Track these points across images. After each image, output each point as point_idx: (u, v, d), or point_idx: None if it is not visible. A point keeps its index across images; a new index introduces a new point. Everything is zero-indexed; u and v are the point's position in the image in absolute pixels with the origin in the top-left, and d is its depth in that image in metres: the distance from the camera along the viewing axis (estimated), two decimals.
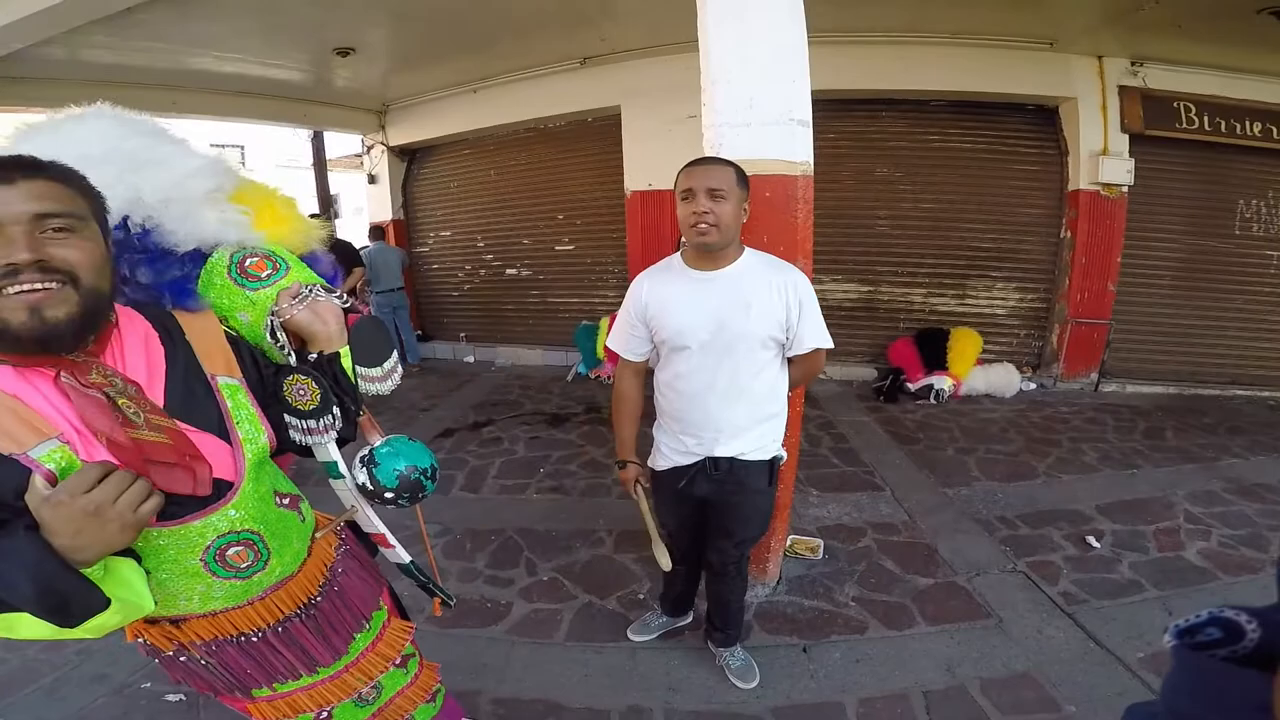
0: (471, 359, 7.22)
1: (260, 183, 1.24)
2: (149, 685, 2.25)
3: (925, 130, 5.22)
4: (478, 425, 4.93)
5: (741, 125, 2.04)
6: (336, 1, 3.93)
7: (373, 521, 1.26)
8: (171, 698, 2.20)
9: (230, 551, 0.95)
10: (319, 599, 1.13)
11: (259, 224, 1.12)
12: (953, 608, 2.48)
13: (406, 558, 1.32)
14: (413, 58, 5.53)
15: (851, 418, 4.66)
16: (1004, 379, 5.10)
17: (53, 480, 0.78)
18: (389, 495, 1.16)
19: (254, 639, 1.06)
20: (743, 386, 1.69)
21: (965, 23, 4.47)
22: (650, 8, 4.46)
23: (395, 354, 1.22)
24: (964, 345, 5.07)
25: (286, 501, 1.08)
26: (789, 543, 2.82)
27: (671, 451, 1.83)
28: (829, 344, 1.72)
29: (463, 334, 7.38)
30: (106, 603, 0.79)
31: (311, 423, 1.05)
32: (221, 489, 0.93)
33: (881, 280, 5.52)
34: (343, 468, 1.16)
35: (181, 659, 1.06)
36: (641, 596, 2.62)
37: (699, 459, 1.77)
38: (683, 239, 3.23)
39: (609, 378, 5.77)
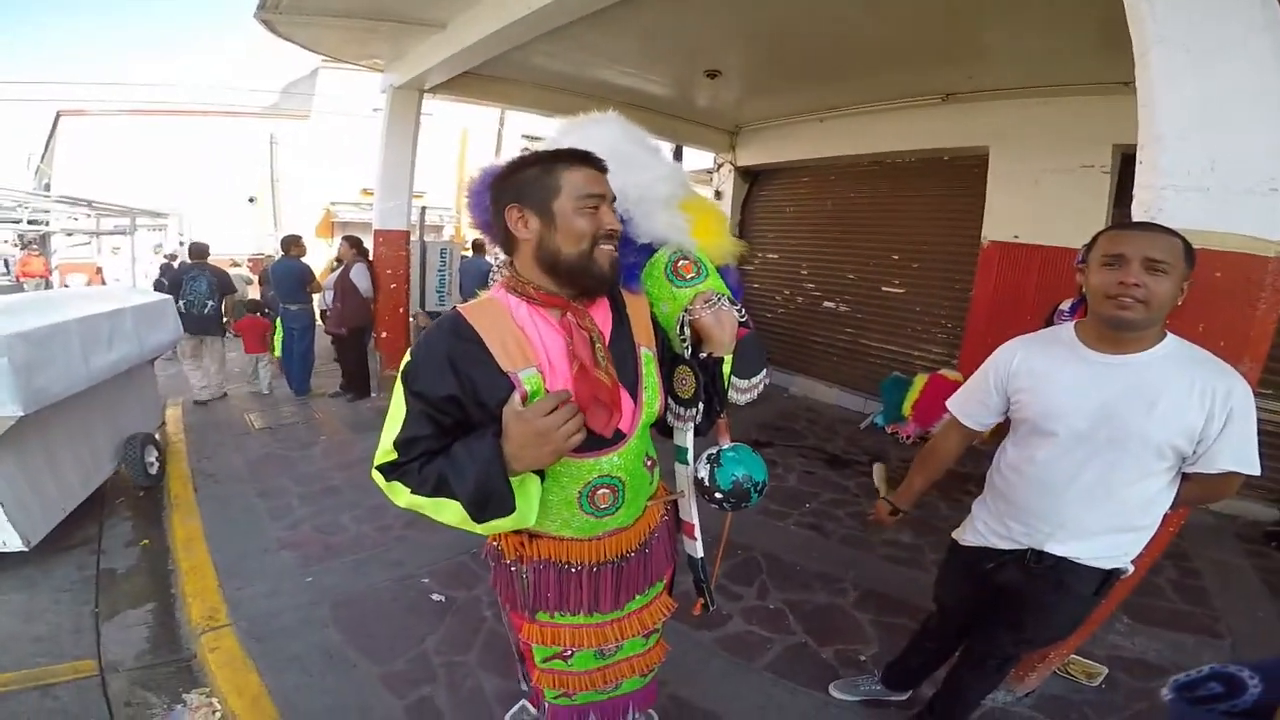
0: (769, 377, 7.26)
1: (703, 197, 1.50)
2: (426, 581, 2.82)
3: None
4: (758, 444, 4.97)
5: (1195, 190, 1.64)
6: (717, 24, 4.30)
7: (691, 510, 1.39)
8: (435, 597, 2.72)
9: (599, 491, 1.16)
10: (632, 555, 1.29)
11: (694, 232, 1.32)
12: None
13: (700, 553, 1.41)
14: (768, 83, 5.77)
15: (1218, 556, 3.51)
16: None
17: (524, 399, 1.04)
18: (719, 495, 1.24)
19: (573, 570, 1.25)
20: (1112, 491, 1.39)
21: None
22: (1027, 49, 4.01)
23: (765, 371, 1.34)
24: None
25: (649, 463, 1.26)
26: (1067, 661, 2.31)
27: (989, 531, 1.61)
28: (1255, 470, 1.30)
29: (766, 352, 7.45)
30: (512, 509, 1.03)
31: (682, 409, 1.23)
32: (615, 438, 1.14)
33: None
34: (690, 456, 1.30)
35: (513, 568, 1.27)
36: (863, 658, 2.42)
37: (1021, 547, 1.53)
38: (1060, 308, 2.79)
39: (909, 438, 5.28)
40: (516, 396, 1.02)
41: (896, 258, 6.14)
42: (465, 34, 4.49)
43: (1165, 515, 1.44)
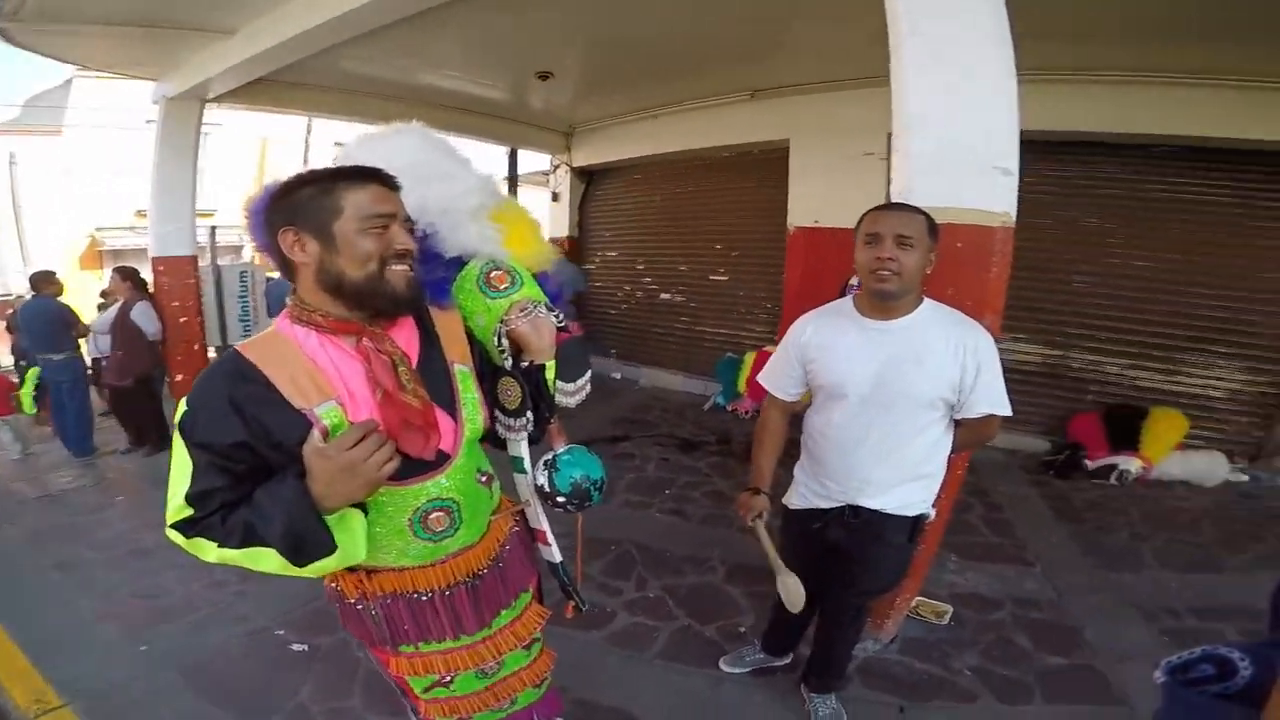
0: (619, 375, 7.47)
1: (516, 204, 1.44)
2: (281, 633, 2.58)
3: (1146, 179, 4.55)
4: (615, 439, 5.12)
5: (934, 171, 1.94)
6: (546, 26, 4.29)
7: (539, 518, 1.38)
8: (296, 647, 2.50)
9: (432, 515, 1.12)
10: (485, 571, 1.26)
11: (508, 242, 1.28)
12: (1080, 689, 2.27)
13: (558, 558, 1.41)
14: (601, 83, 5.86)
15: (1011, 489, 4.20)
16: (1207, 467, 4.32)
17: (325, 435, 0.97)
18: (560, 499, 1.25)
19: (423, 598, 1.20)
20: (898, 445, 1.61)
21: (1212, 60, 3.86)
22: (823, 42, 4.41)
23: (589, 373, 1.35)
24: (1164, 427, 4.35)
25: (484, 479, 1.24)
26: (915, 604, 2.64)
27: (810, 493, 1.79)
28: (1007, 411, 1.56)
29: (613, 350, 7.65)
30: (333, 549, 0.95)
31: (511, 420, 1.21)
32: (440, 459, 1.10)
33: (1073, 345, 4.88)
34: (527, 465, 1.29)
35: (358, 607, 1.20)
36: (742, 630, 2.58)
37: (839, 505, 1.72)
38: (850, 284, 3.15)
39: (746, 413, 5.70)
40: (316, 433, 0.96)
41: (719, 247, 6.60)
42: (259, 40, 4.05)
43: (950, 460, 1.72)
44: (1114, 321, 4.75)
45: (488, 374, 1.22)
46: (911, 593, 2.50)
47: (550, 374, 1.23)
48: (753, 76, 5.37)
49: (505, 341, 1.18)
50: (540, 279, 1.34)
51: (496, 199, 1.34)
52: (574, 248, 7.87)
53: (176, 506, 0.97)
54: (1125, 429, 4.41)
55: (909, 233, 1.48)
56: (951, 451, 1.69)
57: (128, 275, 5.02)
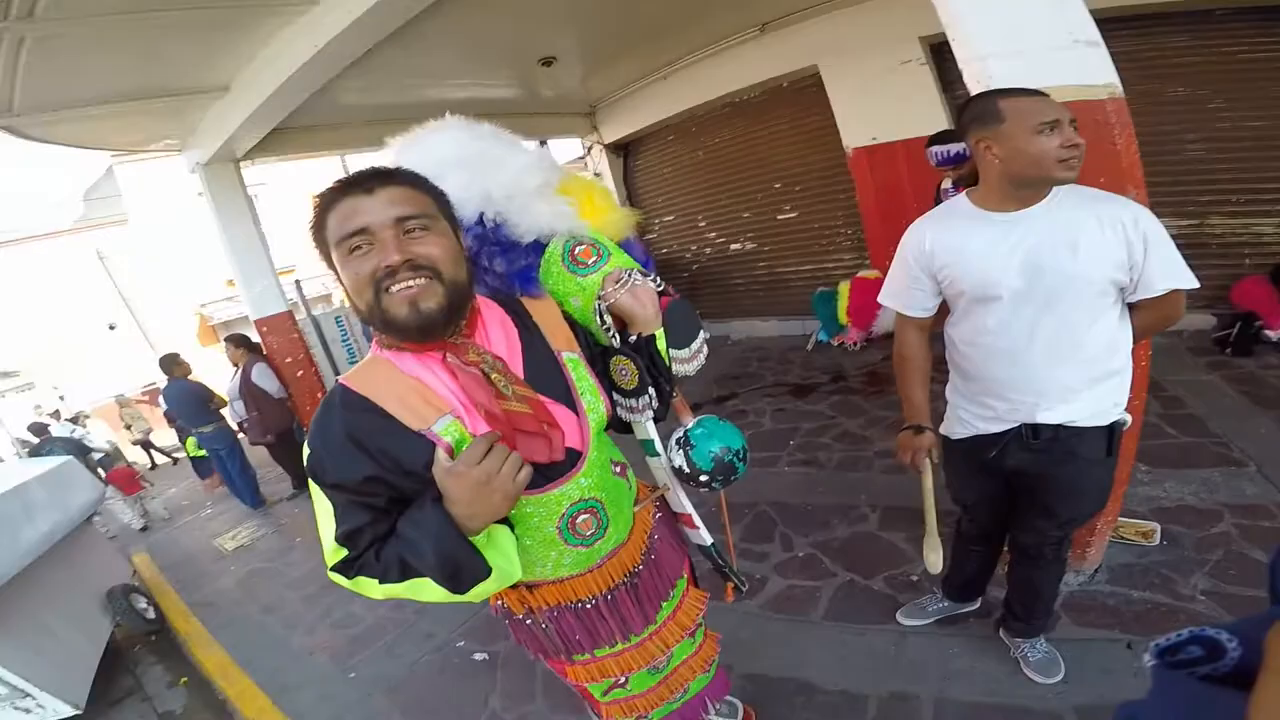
0: (706, 335, 7.36)
1: (579, 175, 1.35)
2: (463, 644, 2.73)
3: (1223, 43, 4.04)
4: (721, 399, 5.02)
5: (1012, 54, 1.75)
6: (530, 13, 4.21)
7: (681, 502, 1.32)
8: (478, 656, 2.63)
9: (580, 519, 1.07)
10: (640, 568, 1.22)
11: (582, 214, 1.21)
12: None
13: (709, 539, 1.35)
14: (604, 54, 5.73)
15: (1187, 377, 3.65)
16: None
17: (450, 452, 0.90)
18: (704, 478, 1.18)
19: (588, 606, 1.17)
20: (1075, 341, 1.42)
21: None
22: None
23: (703, 335, 1.26)
24: None
25: (618, 469, 1.16)
26: (1115, 525, 2.33)
27: (974, 417, 1.61)
28: (1193, 283, 1.35)
29: (697, 311, 7.56)
30: (488, 571, 0.90)
31: (633, 401, 1.13)
32: (572, 458, 1.03)
33: (1209, 212, 4.34)
34: (659, 446, 1.22)
35: (528, 622, 1.20)
36: (915, 578, 2.41)
37: (1013, 426, 1.54)
38: (944, 187, 2.88)
39: (855, 344, 5.47)
40: (441, 453, 0.89)
41: (779, 186, 6.37)
42: (252, 93, 4.11)
43: (1133, 351, 1.51)
44: (1248, 181, 4.19)
45: (597, 357, 1.13)
46: (1113, 514, 2.22)
47: (661, 344, 1.14)
48: (758, 10, 5.15)
49: (608, 318, 1.11)
50: (625, 247, 1.26)
51: (557, 173, 1.25)
52: None
53: (331, 549, 0.94)
54: None
55: (1073, 115, 1.32)
56: (1135, 342, 1.49)
57: (239, 342, 5.40)
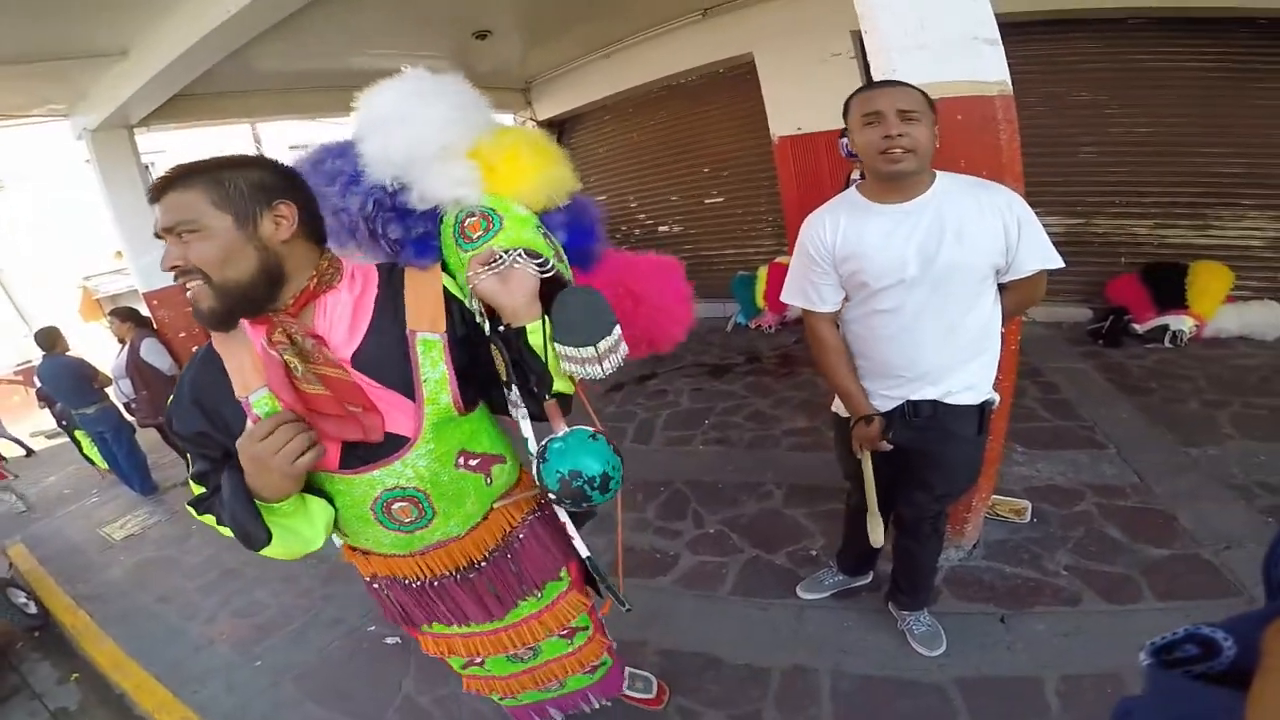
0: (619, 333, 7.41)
1: (516, 129, 1.20)
2: (374, 629, 2.66)
3: (1129, 51, 4.33)
4: (643, 378, 5.06)
5: (916, 48, 1.82)
6: None
7: (556, 509, 1.19)
8: (390, 640, 2.56)
9: (395, 506, 1.04)
10: (483, 563, 1.16)
11: (493, 180, 1.08)
12: (1193, 582, 2.09)
13: (585, 552, 1.23)
14: (543, 31, 5.61)
15: (1063, 364, 3.99)
16: (1265, 318, 4.06)
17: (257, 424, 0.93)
18: (551, 497, 1.03)
19: (412, 585, 1.16)
20: (954, 323, 1.50)
21: None
22: None
23: (616, 332, 1.05)
24: (1209, 280, 4.11)
25: (474, 463, 1.09)
26: (991, 503, 2.50)
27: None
28: (1059, 263, 1.46)
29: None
30: (268, 540, 0.95)
31: (508, 393, 1.05)
32: (398, 443, 1.00)
33: (1094, 212, 4.70)
34: (531, 446, 1.06)
35: (374, 585, 1.22)
36: (814, 553, 2.54)
37: (896, 403, 1.62)
38: (852, 177, 2.97)
39: (770, 328, 5.67)
40: (249, 423, 0.95)
41: (707, 170, 6.45)
42: (154, 57, 3.80)
43: (1003, 334, 1.62)
44: (1131, 185, 4.56)
45: (480, 340, 1.04)
46: (987, 492, 2.39)
47: (536, 338, 1.01)
48: None
49: (476, 301, 1.03)
50: (575, 209, 1.16)
51: (477, 131, 1.11)
52: None
53: (192, 485, 1.03)
54: (1168, 287, 4.20)
55: (911, 106, 1.35)
56: (1002, 322, 1.59)
57: (126, 316, 4.97)
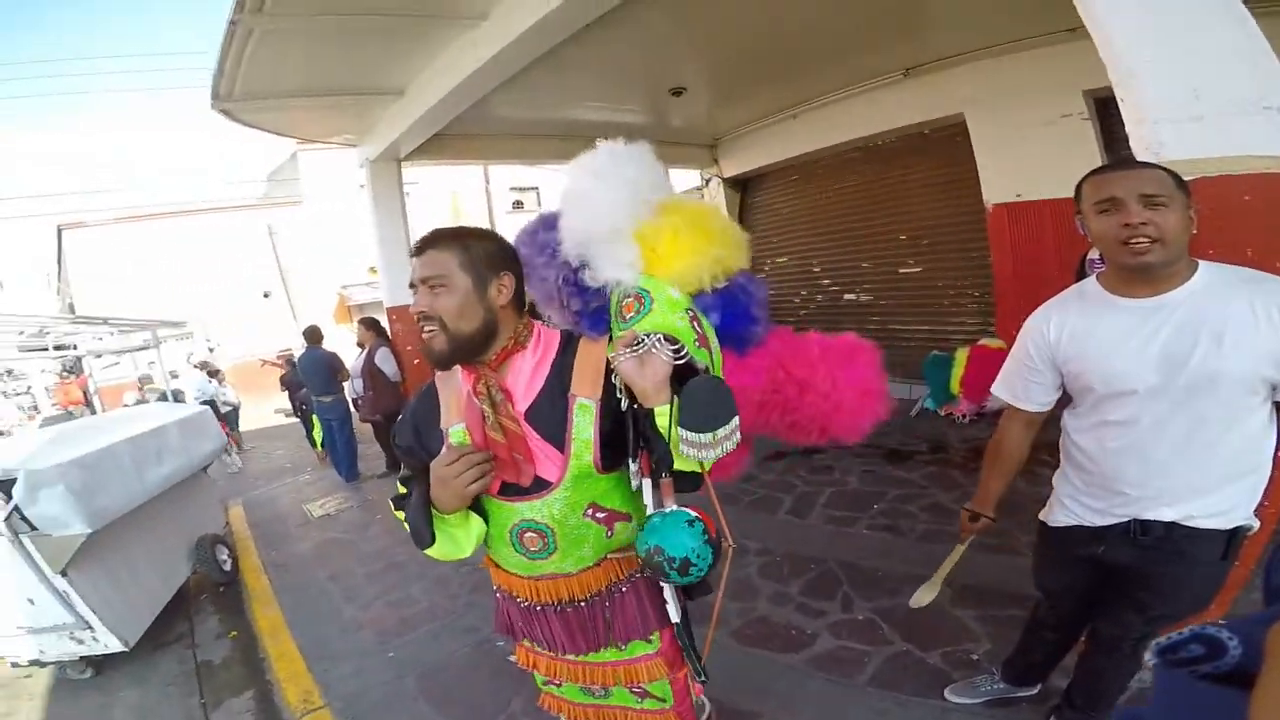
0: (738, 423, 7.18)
1: (684, 205, 1.28)
2: (501, 644, 2.77)
3: None
4: (809, 451, 4.83)
5: (1190, 120, 1.60)
6: (666, 43, 4.41)
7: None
8: (513, 659, 2.63)
9: (526, 535, 1.20)
10: (582, 603, 1.26)
11: (651, 262, 1.18)
12: None
13: (676, 617, 1.26)
14: (734, 90, 5.82)
15: None
16: None
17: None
18: (639, 563, 1.11)
19: (520, 604, 1.31)
20: (1209, 440, 1.27)
21: None
22: (975, 9, 4.04)
23: (733, 423, 1.06)
24: None
25: (601, 516, 1.20)
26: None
27: (1081, 508, 1.50)
28: None
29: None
30: (430, 543, 1.16)
31: (630, 463, 1.13)
32: (540, 486, 1.16)
33: None
34: (649, 513, 1.12)
35: (498, 594, 1.38)
36: (975, 657, 2.26)
37: (1122, 520, 1.42)
38: (1089, 258, 2.67)
39: (964, 417, 5.13)
40: (444, 449, 1.17)
41: (904, 237, 6.10)
42: (423, 97, 4.56)
43: (1277, 456, 1.32)
44: None
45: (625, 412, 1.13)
46: (1220, 616, 1.93)
47: (661, 420, 1.04)
48: (903, 54, 5.04)
49: (617, 379, 1.11)
50: (738, 284, 1.28)
51: (641, 210, 1.19)
52: None
53: (398, 485, 1.23)
54: None
55: (1157, 190, 1.19)
56: (1279, 445, 1.31)
57: (370, 325, 5.88)
